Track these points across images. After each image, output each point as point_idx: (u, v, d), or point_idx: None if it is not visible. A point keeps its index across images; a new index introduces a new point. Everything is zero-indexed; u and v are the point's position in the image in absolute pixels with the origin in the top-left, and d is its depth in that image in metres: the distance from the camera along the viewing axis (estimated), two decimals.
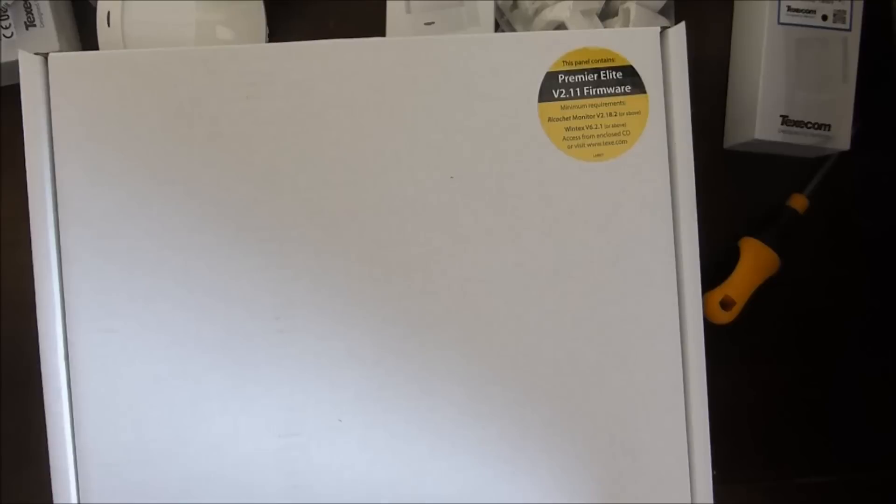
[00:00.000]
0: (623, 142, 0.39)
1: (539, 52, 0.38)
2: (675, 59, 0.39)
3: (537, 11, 0.45)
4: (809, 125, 0.46)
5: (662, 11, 0.47)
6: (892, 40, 0.49)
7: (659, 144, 0.39)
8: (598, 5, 0.44)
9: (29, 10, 0.42)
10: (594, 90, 0.39)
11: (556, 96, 0.38)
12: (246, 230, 0.37)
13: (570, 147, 0.38)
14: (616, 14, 0.45)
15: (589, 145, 0.39)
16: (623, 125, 0.39)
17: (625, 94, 0.39)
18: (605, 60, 0.39)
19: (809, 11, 0.46)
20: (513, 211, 0.38)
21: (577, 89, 0.39)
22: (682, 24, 0.38)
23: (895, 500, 0.51)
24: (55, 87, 0.37)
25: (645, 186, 0.39)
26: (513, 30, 0.46)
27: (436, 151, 0.38)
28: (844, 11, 0.46)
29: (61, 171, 0.37)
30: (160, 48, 0.38)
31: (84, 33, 0.46)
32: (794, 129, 0.46)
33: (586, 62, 0.39)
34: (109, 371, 0.37)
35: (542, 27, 0.44)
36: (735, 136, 0.49)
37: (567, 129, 0.38)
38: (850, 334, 0.51)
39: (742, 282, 0.47)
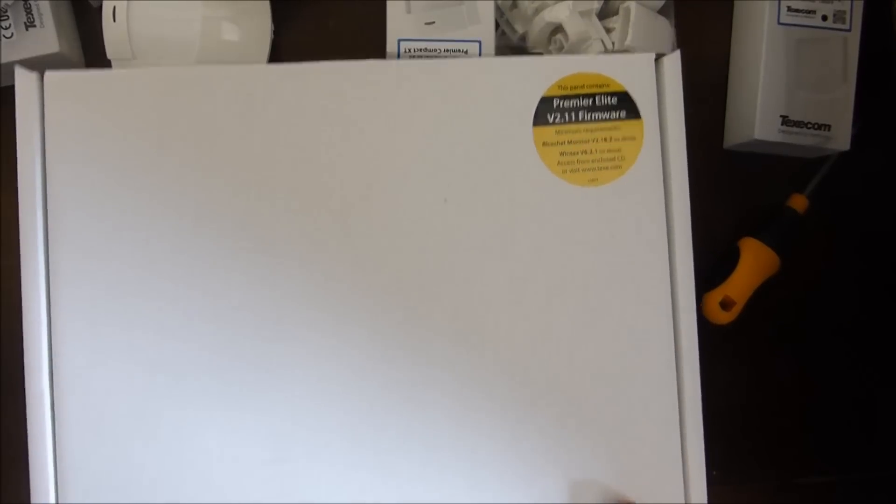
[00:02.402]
0: (618, 167, 0.39)
1: (534, 76, 0.39)
2: (669, 85, 0.39)
3: (536, 11, 0.45)
4: (809, 125, 0.46)
5: (662, 11, 0.47)
6: (892, 40, 0.49)
7: (654, 170, 0.39)
8: (598, 5, 0.44)
9: (29, 11, 0.42)
10: (589, 115, 0.39)
11: (550, 121, 0.39)
12: (237, 252, 0.37)
13: (564, 172, 0.38)
14: (616, 13, 0.45)
15: (583, 170, 0.39)
16: (618, 150, 0.39)
17: (619, 119, 0.39)
18: (600, 86, 0.39)
19: (809, 11, 0.46)
20: (506, 235, 0.38)
21: (572, 114, 0.39)
22: (678, 52, 0.39)
23: (895, 501, 0.51)
24: (50, 105, 0.37)
25: (640, 212, 0.39)
26: (513, 30, 0.46)
27: (430, 174, 0.38)
28: (844, 11, 0.47)
29: (53, 189, 0.36)
30: (155, 67, 0.38)
31: (84, 33, 0.46)
32: (794, 129, 0.46)
33: (581, 87, 0.39)
34: (95, 393, 0.36)
35: (541, 27, 0.44)
36: (735, 136, 0.49)
37: (562, 153, 0.39)
38: (850, 334, 0.51)
39: (742, 282, 0.47)
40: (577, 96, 0.39)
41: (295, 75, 0.38)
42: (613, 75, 0.39)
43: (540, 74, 0.39)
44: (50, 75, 0.37)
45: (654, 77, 0.39)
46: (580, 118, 0.39)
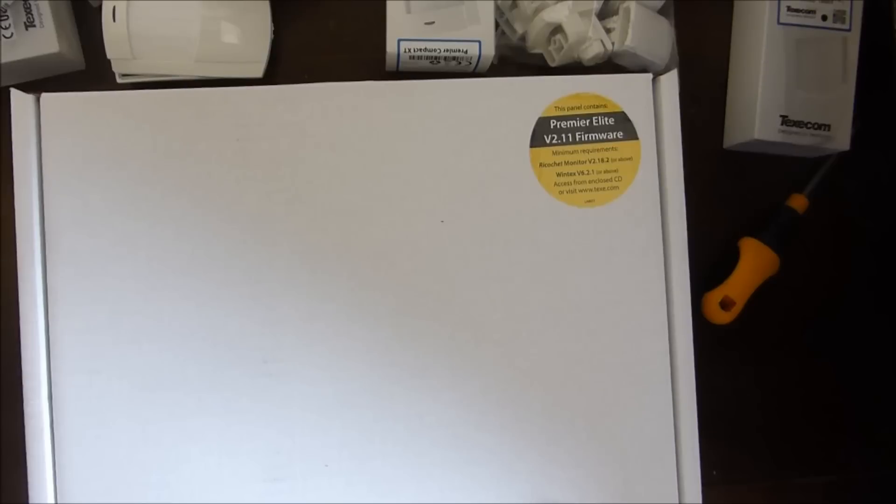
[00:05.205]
0: (615, 188, 0.39)
1: (531, 97, 0.39)
2: (666, 105, 0.39)
3: (536, 11, 0.45)
4: (809, 125, 0.46)
5: (662, 11, 0.47)
6: (892, 40, 0.49)
7: (651, 190, 0.39)
8: (597, 5, 0.44)
9: (29, 11, 0.42)
10: (586, 136, 0.39)
11: (547, 141, 0.38)
12: (234, 273, 0.37)
13: (561, 193, 0.38)
14: (616, 13, 0.45)
15: (580, 191, 0.39)
16: (615, 171, 0.39)
17: (616, 139, 0.39)
18: (598, 106, 0.39)
19: (809, 11, 0.46)
20: (503, 256, 0.38)
21: (569, 135, 0.39)
22: (675, 72, 0.39)
23: (895, 501, 0.51)
24: (46, 126, 0.37)
25: (636, 232, 0.39)
26: (513, 30, 0.46)
27: (426, 195, 0.38)
28: (844, 11, 0.46)
29: (50, 210, 0.36)
30: (151, 90, 0.38)
31: (84, 33, 0.46)
32: (794, 129, 0.46)
33: (578, 108, 0.39)
34: (93, 412, 0.36)
35: (540, 27, 0.44)
36: (735, 136, 0.49)
37: (558, 174, 0.39)
38: (850, 334, 0.51)
39: (742, 282, 0.47)
40: (574, 117, 0.39)
41: (290, 97, 0.38)
42: (611, 96, 0.39)
43: (537, 95, 0.39)
44: (47, 97, 0.37)
45: (651, 97, 0.39)
46: (577, 139, 0.39)
